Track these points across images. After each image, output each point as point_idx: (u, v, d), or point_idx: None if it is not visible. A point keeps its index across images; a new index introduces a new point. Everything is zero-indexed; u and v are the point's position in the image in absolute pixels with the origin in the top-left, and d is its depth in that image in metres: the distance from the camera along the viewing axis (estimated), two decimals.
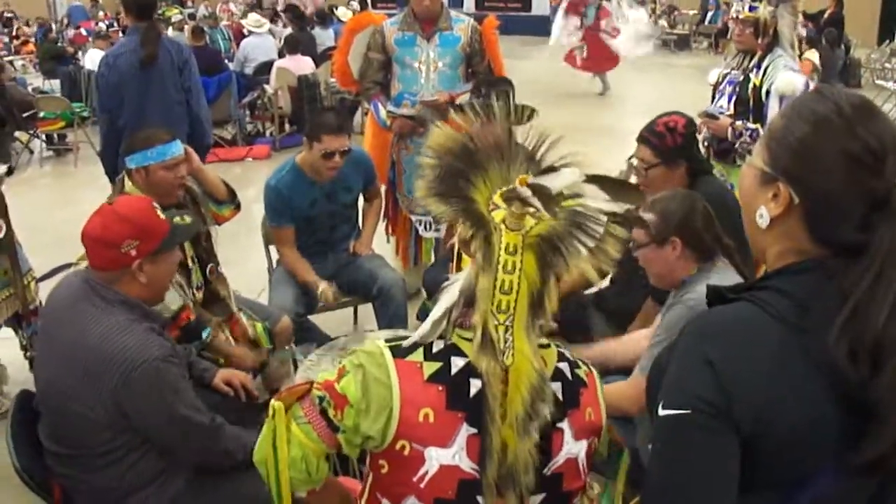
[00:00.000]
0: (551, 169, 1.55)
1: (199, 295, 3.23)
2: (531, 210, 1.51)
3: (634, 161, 3.14)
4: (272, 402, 1.66)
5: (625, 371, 2.69)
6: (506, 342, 1.51)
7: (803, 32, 12.55)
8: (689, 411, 1.20)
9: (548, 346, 1.67)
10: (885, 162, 1.20)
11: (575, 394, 1.65)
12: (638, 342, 2.77)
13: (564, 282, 3.39)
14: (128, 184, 3.13)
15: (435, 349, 1.59)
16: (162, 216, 2.44)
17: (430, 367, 1.57)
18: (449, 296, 1.61)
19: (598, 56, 12.28)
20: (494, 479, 1.52)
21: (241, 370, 3.06)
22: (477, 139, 1.57)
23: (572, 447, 1.62)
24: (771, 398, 1.17)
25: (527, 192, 1.49)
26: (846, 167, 1.20)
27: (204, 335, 3.03)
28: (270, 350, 3.35)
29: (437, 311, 1.61)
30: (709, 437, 1.19)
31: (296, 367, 3.55)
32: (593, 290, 3.59)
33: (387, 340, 1.64)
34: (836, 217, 1.22)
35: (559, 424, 1.60)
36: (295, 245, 3.83)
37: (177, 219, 2.54)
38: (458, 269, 1.66)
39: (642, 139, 3.11)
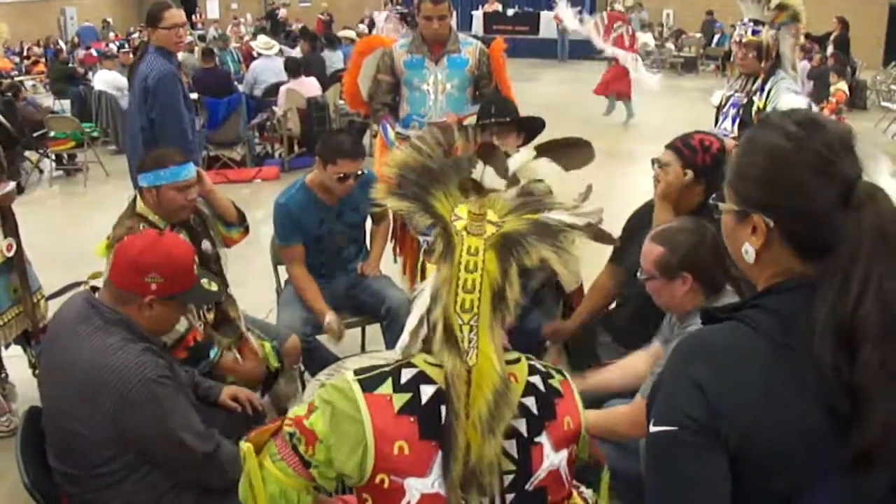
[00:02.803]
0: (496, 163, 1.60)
1: (210, 316, 3.25)
2: (487, 201, 1.57)
3: (657, 165, 3.11)
4: (241, 443, 1.68)
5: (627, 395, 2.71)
6: (470, 342, 1.53)
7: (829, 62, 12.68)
8: (676, 428, 1.24)
9: (518, 360, 1.69)
10: (840, 162, 1.25)
11: (550, 405, 1.66)
12: (635, 365, 2.78)
13: (578, 314, 3.45)
14: (139, 203, 3.15)
15: (403, 379, 1.60)
16: (195, 272, 2.49)
17: (400, 399, 1.57)
18: (421, 302, 1.64)
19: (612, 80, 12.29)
20: (459, 479, 1.52)
21: (249, 384, 3.09)
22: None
23: (553, 459, 1.63)
24: (757, 414, 1.21)
25: (476, 180, 1.55)
26: (808, 178, 1.25)
27: (212, 354, 3.04)
28: (279, 369, 3.36)
29: (412, 321, 1.64)
30: (697, 453, 1.23)
31: (303, 387, 3.56)
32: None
33: (356, 372, 1.65)
34: (813, 227, 1.26)
35: (537, 439, 1.62)
36: (304, 263, 3.83)
37: (204, 280, 2.58)
38: (423, 278, 1.69)
39: (673, 147, 3.08)
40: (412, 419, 1.56)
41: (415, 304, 1.65)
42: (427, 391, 1.57)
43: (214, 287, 2.64)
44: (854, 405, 1.17)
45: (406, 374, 1.60)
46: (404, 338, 1.65)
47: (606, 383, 2.82)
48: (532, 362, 1.72)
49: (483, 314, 1.54)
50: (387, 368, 1.63)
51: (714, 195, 1.45)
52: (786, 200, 1.28)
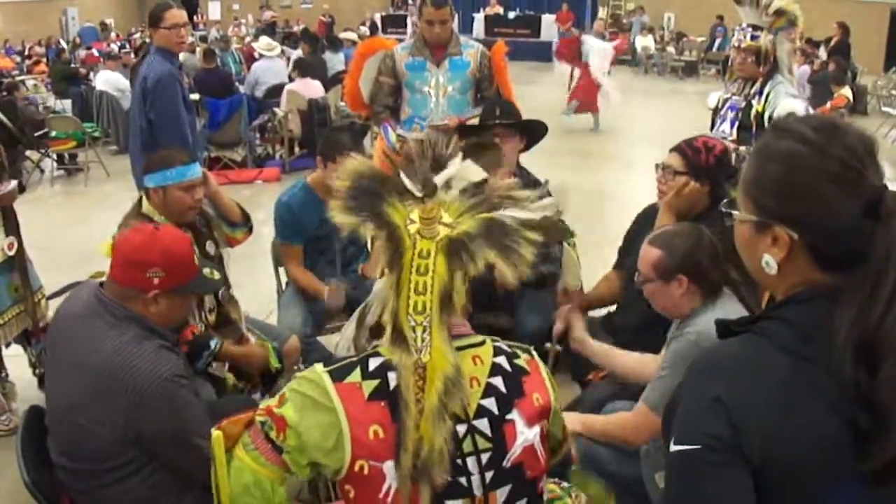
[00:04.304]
0: (440, 167, 1.67)
1: (212, 318, 3.25)
2: (440, 204, 1.63)
3: (660, 167, 3.13)
4: (213, 431, 1.71)
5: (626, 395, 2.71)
6: (423, 341, 1.57)
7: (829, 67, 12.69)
8: (698, 447, 1.22)
9: (482, 342, 1.73)
10: (866, 170, 1.22)
11: (517, 383, 1.70)
12: (647, 364, 2.78)
13: (590, 295, 3.47)
14: (145, 204, 3.15)
15: (371, 367, 1.64)
16: (196, 262, 2.48)
17: (369, 386, 1.62)
18: (360, 309, 1.71)
19: (582, 91, 12.10)
20: (409, 468, 1.55)
21: (253, 367, 3.19)
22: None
23: (527, 435, 1.67)
24: (778, 429, 1.18)
25: (417, 193, 1.63)
26: (831, 189, 1.21)
27: (212, 345, 3.03)
28: (279, 370, 3.37)
29: (350, 322, 1.69)
30: (719, 471, 1.21)
31: None
32: (602, 313, 3.62)
33: (325, 364, 1.69)
34: (838, 239, 1.23)
35: (508, 416, 1.66)
36: (302, 263, 3.85)
37: (206, 270, 2.58)
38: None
39: (677, 149, 3.09)
40: (382, 404, 1.60)
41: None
42: (394, 377, 1.61)
43: (217, 275, 2.64)
44: (874, 419, 1.15)
45: (373, 363, 1.65)
46: (346, 334, 1.69)
47: (616, 359, 2.83)
48: (497, 343, 1.76)
49: (435, 314, 1.58)
50: (354, 359, 1.67)
51: (724, 202, 1.41)
52: (807, 212, 1.24)
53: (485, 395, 1.65)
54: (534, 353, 1.81)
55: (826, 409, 1.18)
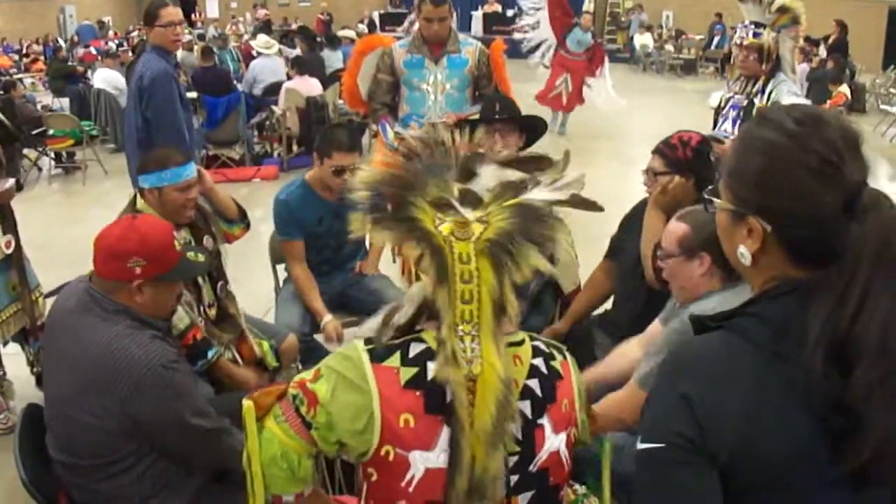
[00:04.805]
0: (473, 173, 1.62)
1: (212, 312, 3.24)
2: (467, 216, 1.57)
3: (647, 175, 3.14)
4: (244, 401, 1.69)
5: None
6: (472, 351, 1.52)
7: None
8: (663, 445, 1.20)
9: (522, 342, 1.69)
10: (844, 166, 1.19)
11: (552, 388, 1.67)
12: (628, 352, 2.77)
13: (572, 311, 3.46)
14: (140, 202, 3.14)
15: (411, 354, 1.60)
16: (177, 247, 2.47)
17: (407, 373, 1.58)
18: (389, 308, 1.67)
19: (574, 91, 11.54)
20: (464, 493, 1.53)
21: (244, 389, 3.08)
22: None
23: (553, 441, 1.64)
24: (748, 427, 1.16)
25: (452, 199, 1.56)
26: (808, 183, 1.19)
27: (210, 354, 3.03)
28: (276, 368, 3.36)
29: (374, 318, 1.66)
30: (684, 470, 1.19)
31: None
32: (598, 311, 3.61)
33: (366, 342, 1.65)
34: (813, 234, 1.21)
35: (539, 421, 1.63)
36: (304, 260, 3.81)
37: (190, 254, 2.56)
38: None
39: (657, 150, 3.12)
40: (418, 393, 1.56)
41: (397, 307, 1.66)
42: (433, 367, 1.57)
43: (201, 258, 2.63)
44: (847, 420, 1.13)
45: (414, 349, 1.61)
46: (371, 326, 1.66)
47: (602, 377, 2.81)
48: (536, 343, 1.72)
49: (485, 323, 1.53)
50: (396, 342, 1.63)
51: (708, 188, 1.39)
52: (783, 205, 1.21)
53: (521, 398, 1.62)
54: (567, 354, 1.77)
55: (799, 407, 1.16)
